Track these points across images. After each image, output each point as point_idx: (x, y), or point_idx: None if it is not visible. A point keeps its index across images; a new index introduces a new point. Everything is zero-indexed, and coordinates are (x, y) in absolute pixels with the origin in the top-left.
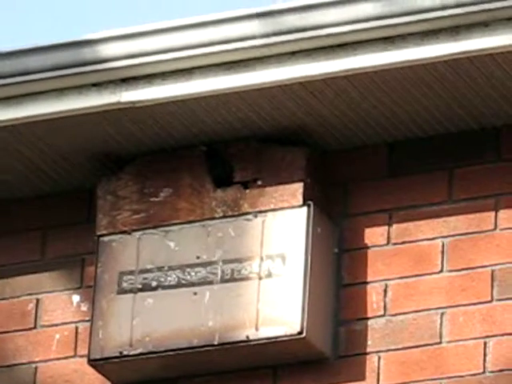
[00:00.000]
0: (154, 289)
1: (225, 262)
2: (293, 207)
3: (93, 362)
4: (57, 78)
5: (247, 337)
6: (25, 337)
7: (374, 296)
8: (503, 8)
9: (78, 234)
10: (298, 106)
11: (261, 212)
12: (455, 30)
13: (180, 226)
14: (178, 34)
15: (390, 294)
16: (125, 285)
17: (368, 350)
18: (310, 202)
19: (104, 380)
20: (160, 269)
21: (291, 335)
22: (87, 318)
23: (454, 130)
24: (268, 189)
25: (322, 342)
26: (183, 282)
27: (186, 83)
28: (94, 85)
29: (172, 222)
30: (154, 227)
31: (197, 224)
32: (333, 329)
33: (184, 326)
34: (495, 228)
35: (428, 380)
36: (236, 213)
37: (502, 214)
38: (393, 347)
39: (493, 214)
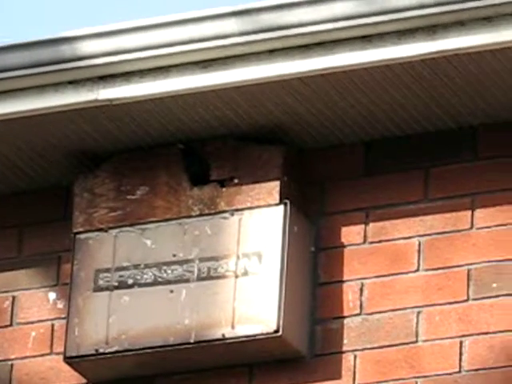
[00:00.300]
0: (131, 286)
1: (201, 260)
2: (269, 205)
3: (69, 360)
4: (34, 75)
5: (223, 335)
6: (1, 334)
7: (350, 295)
8: (479, 7)
9: (55, 232)
10: (275, 105)
11: (237, 210)
12: (432, 29)
13: (157, 224)
14: (156, 31)
15: (366, 292)
16: (101, 282)
17: (344, 348)
18: (287, 201)
19: (80, 377)
20: (136, 266)
21: (267, 333)
22: (63, 316)
23: (431, 128)
24: (245, 187)
25: (299, 340)
26: (159, 279)
27: (164, 81)
28: (71, 82)
29: (149, 219)
30: (131, 225)
31: (173, 222)
32: (309, 327)
33: (160, 323)
34: (471, 227)
35: (404, 379)
36: (213, 211)
37: (479, 213)
38: (369, 346)
39: (469, 213)
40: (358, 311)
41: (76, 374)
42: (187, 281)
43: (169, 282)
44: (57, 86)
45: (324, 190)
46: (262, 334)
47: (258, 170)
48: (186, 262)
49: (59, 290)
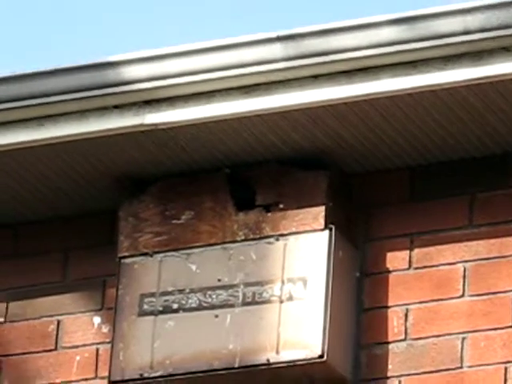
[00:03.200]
0: (175, 311)
1: (246, 285)
2: (314, 231)
3: None
4: (80, 99)
5: (268, 360)
6: (46, 358)
7: (394, 320)
8: None
9: (100, 256)
10: (319, 130)
11: (282, 235)
12: (477, 54)
13: (201, 249)
14: (201, 56)
15: (410, 318)
16: (146, 307)
17: (389, 374)
18: (332, 226)
19: None
20: (181, 291)
21: (312, 359)
22: (108, 340)
23: (476, 154)
24: (290, 212)
25: (343, 365)
26: (204, 304)
27: (208, 106)
28: (116, 107)
29: (193, 244)
30: (176, 250)
31: (218, 247)
32: (354, 353)
33: (205, 348)
34: None
35: None
36: (257, 236)
37: None
38: (413, 372)
39: None
40: (402, 337)
41: None
42: (232, 306)
43: (213, 307)
44: (102, 110)
45: (369, 215)
46: (307, 359)
47: (303, 195)
48: (231, 286)
49: (104, 315)
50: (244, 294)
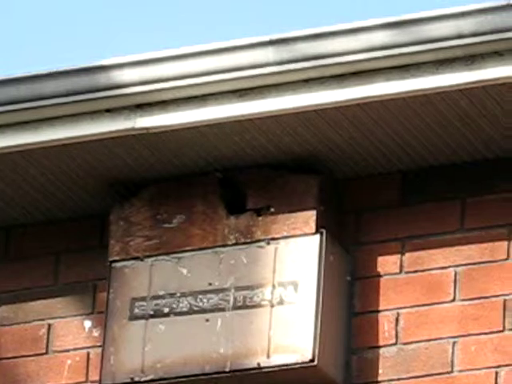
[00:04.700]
0: (166, 315)
1: (237, 288)
2: (305, 235)
3: None
4: (71, 103)
5: (258, 364)
6: (36, 362)
7: (385, 324)
8: None
9: (91, 260)
10: (311, 134)
11: (273, 239)
12: (470, 58)
13: (192, 253)
14: (193, 60)
15: (401, 322)
16: (137, 311)
17: (379, 378)
18: (323, 230)
19: None
20: (172, 295)
21: (303, 363)
22: (99, 344)
23: (468, 158)
24: (281, 216)
25: (334, 370)
26: (195, 308)
27: (200, 110)
28: (108, 110)
29: (184, 248)
30: (167, 253)
31: (209, 251)
32: (345, 357)
33: (196, 352)
34: (508, 257)
35: None
36: (249, 240)
37: None
38: (404, 376)
39: (505, 243)
40: (393, 341)
41: None
42: (223, 310)
43: (204, 311)
44: (93, 114)
45: (360, 219)
46: (298, 364)
47: (294, 199)
48: (222, 290)
49: (95, 319)
50: (235, 298)
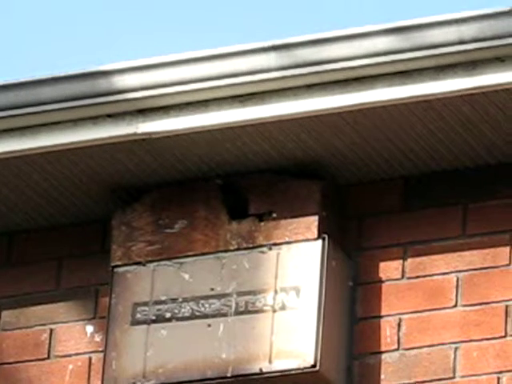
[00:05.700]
0: (168, 320)
1: (239, 294)
2: (307, 240)
3: None
4: (72, 108)
5: (260, 369)
6: (38, 367)
7: (387, 330)
8: None
9: (93, 265)
10: (313, 139)
11: (275, 245)
12: (472, 64)
13: (194, 258)
14: (195, 65)
15: (403, 328)
16: (139, 316)
17: None
18: (325, 235)
19: None
20: (174, 300)
21: (305, 368)
22: (101, 349)
23: (470, 164)
24: (283, 221)
25: (336, 375)
26: (197, 313)
27: (202, 115)
28: (110, 116)
29: (186, 253)
30: (169, 259)
31: (211, 256)
32: (346, 362)
33: (198, 357)
34: (510, 263)
35: None
36: (251, 245)
37: None
38: (406, 381)
39: (507, 249)
40: (395, 346)
41: None
42: (225, 315)
43: (206, 316)
44: (95, 119)
45: (362, 225)
46: (300, 369)
47: (296, 204)
48: (224, 296)
49: (97, 324)
50: (237, 303)
